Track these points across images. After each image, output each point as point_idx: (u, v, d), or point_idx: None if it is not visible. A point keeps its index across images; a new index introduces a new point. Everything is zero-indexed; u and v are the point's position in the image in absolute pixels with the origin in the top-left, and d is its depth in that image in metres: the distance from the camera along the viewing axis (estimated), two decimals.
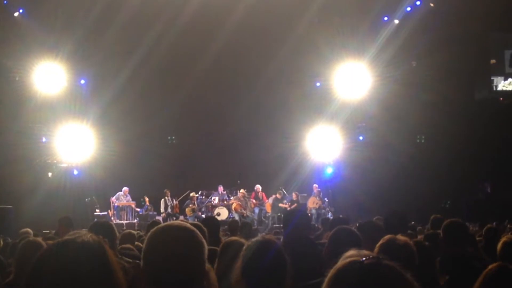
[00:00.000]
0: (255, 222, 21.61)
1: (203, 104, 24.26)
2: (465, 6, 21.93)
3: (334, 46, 22.72)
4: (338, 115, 23.41)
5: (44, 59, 21.95)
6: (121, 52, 22.23)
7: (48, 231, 13.59)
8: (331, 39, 22.65)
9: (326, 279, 1.83)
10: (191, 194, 22.50)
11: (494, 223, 12.69)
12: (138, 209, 22.17)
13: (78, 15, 21.59)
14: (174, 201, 22.43)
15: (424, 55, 22.99)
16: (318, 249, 5.24)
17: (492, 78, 24.77)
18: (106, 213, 21.39)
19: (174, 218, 21.76)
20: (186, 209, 22.12)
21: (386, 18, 23.04)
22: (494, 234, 8.20)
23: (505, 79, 24.67)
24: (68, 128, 22.50)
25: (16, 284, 5.08)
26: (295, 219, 5.43)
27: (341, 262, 1.87)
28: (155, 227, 2.65)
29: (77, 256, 1.93)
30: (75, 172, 22.68)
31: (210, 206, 22.62)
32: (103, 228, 5.61)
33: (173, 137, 25.02)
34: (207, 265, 3.52)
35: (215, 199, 22.79)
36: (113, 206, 21.83)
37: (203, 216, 20.78)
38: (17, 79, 21.80)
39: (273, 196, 22.32)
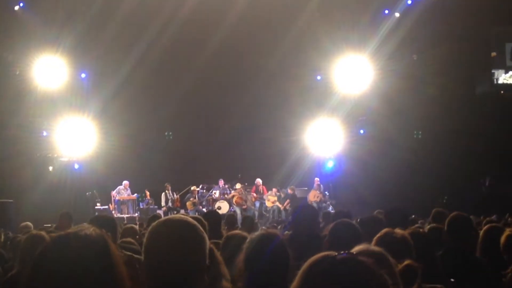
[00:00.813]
0: (256, 215, 21.64)
1: (204, 98, 24.26)
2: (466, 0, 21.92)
3: (335, 39, 22.66)
4: (339, 109, 23.38)
5: (45, 53, 21.92)
6: (122, 46, 22.20)
7: (49, 225, 13.58)
8: (331, 32, 22.60)
9: (299, 272, 1.87)
10: (192, 188, 22.52)
11: (494, 216, 12.70)
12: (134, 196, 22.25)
13: (79, 9, 21.56)
14: (175, 195, 22.45)
15: (425, 48, 22.97)
16: (322, 243, 5.25)
17: (493, 71, 24.73)
18: (107, 207, 21.39)
19: (175, 212, 21.77)
20: (187, 203, 22.15)
21: (387, 11, 22.99)
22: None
23: (506, 72, 24.63)
24: (68, 122, 22.48)
25: (19, 278, 5.08)
26: (302, 213, 5.44)
27: (314, 256, 1.89)
28: (156, 221, 2.64)
29: (80, 249, 1.93)
30: (76, 166, 22.68)
31: (211, 200, 22.64)
32: (105, 221, 5.62)
33: (173, 132, 25.03)
34: (219, 258, 3.54)
35: (216, 193, 22.80)
36: (114, 200, 21.84)
37: (204, 210, 20.82)
38: (17, 73, 21.79)
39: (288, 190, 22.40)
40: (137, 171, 22.71)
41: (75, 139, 22.61)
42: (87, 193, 21.70)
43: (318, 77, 24.38)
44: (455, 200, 20.77)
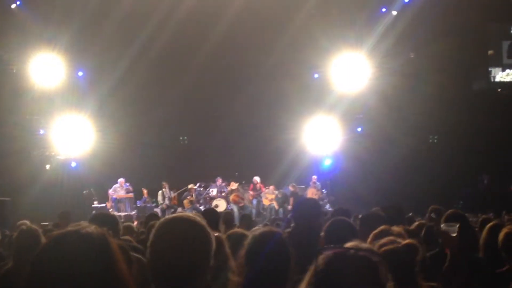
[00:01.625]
0: (254, 213, 21.64)
1: (201, 97, 24.24)
2: None
3: (332, 38, 22.65)
4: (337, 106, 23.36)
5: (42, 51, 21.88)
6: (119, 44, 22.15)
7: (46, 223, 13.58)
8: (329, 30, 22.58)
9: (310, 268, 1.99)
10: (189, 186, 22.51)
11: (491, 214, 12.71)
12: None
13: (76, 7, 21.49)
14: (172, 193, 22.45)
15: (422, 46, 22.99)
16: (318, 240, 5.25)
17: (490, 69, 24.78)
18: (104, 205, 21.37)
19: (172, 210, 21.77)
20: (184, 201, 22.14)
21: (384, 9, 23.02)
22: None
23: (503, 70, 24.68)
24: (65, 120, 22.43)
25: (15, 272, 5.08)
26: (303, 208, 5.42)
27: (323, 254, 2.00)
28: (164, 218, 2.63)
29: (80, 248, 1.91)
30: (73, 164, 22.65)
31: (208, 198, 22.63)
32: (106, 219, 5.63)
33: (171, 131, 24.97)
34: (228, 251, 3.55)
35: (213, 191, 22.80)
36: (111, 198, 21.82)
37: (201, 208, 20.80)
38: (14, 71, 21.76)
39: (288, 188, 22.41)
40: (134, 169, 22.70)
41: (72, 137, 22.57)
42: (84, 191, 21.65)
43: (316, 75, 24.38)
44: (452, 197, 20.81)
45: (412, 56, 23.53)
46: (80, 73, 23.18)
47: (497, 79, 24.62)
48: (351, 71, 23.21)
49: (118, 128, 22.64)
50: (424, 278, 3.40)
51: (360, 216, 6.21)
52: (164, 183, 22.38)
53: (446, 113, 22.59)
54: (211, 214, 6.60)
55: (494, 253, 5.24)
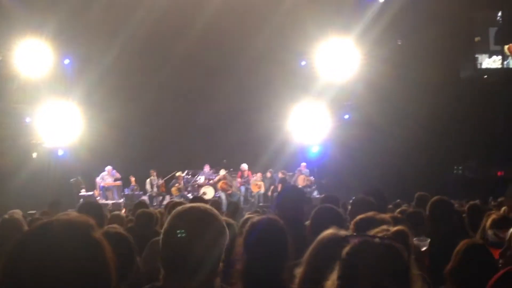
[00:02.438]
0: (242, 200, 21.67)
1: (188, 83, 24.12)
2: None
3: (319, 24, 22.59)
4: (324, 93, 23.36)
5: (28, 38, 21.71)
6: (107, 32, 21.98)
7: (33, 211, 13.53)
8: (316, 17, 22.52)
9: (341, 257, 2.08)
10: (177, 174, 22.49)
11: (477, 200, 12.79)
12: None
13: None
14: (160, 181, 22.42)
15: (409, 33, 23.00)
16: (303, 226, 5.26)
17: (476, 56, 24.86)
18: (92, 193, 21.33)
19: (161, 198, 21.79)
20: (172, 189, 22.13)
21: None
22: (477, 211, 8.27)
23: (490, 57, 24.77)
24: (52, 108, 22.33)
25: None
26: (288, 196, 5.41)
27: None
28: (179, 207, 2.62)
29: (62, 236, 1.89)
30: (60, 153, 22.57)
31: (196, 185, 22.63)
32: (92, 208, 5.63)
33: (158, 118, 24.82)
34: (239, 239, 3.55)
35: (201, 178, 22.79)
36: (99, 186, 21.78)
37: (190, 195, 20.80)
38: (0, 58, 21.57)
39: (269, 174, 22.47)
40: (122, 157, 22.61)
41: (59, 125, 22.48)
42: (71, 180, 21.59)
43: (303, 62, 24.37)
44: (437, 184, 20.92)
45: (399, 43, 23.54)
46: (67, 61, 23.04)
47: (484, 65, 24.72)
48: (339, 58, 23.22)
49: (106, 116, 22.51)
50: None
51: (350, 201, 6.21)
52: (152, 171, 22.37)
53: (433, 100, 22.64)
54: (198, 202, 6.60)
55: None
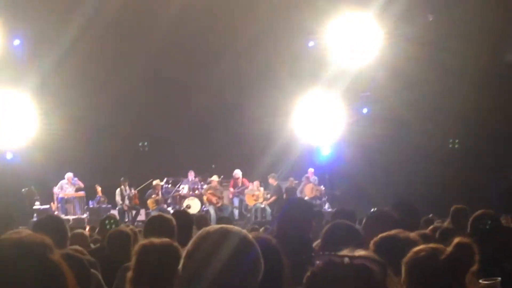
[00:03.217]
0: (236, 215, 21.65)
1: (169, 71, 24.06)
2: None
3: None
4: (337, 82, 23.33)
5: None
6: (65, 7, 21.95)
7: None
8: None
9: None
10: (154, 182, 22.43)
11: None
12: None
13: None
14: (133, 191, 22.36)
15: (443, 7, 22.97)
16: (311, 248, 5.24)
17: None
18: (48, 206, 21.28)
19: (134, 212, 21.77)
20: (148, 201, 22.05)
21: None
22: None
23: None
24: None
25: None
26: (292, 211, 5.37)
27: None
28: (208, 228, 2.56)
29: (11, 258, 1.87)
30: (9, 156, 22.51)
31: (178, 196, 22.60)
32: (50, 224, 5.60)
33: (131, 115, 24.73)
34: None
35: (184, 188, 22.76)
36: (57, 198, 21.73)
37: (170, 209, 20.76)
38: None
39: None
40: (86, 162, 22.59)
41: (7, 122, 22.42)
42: (23, 190, 21.55)
43: (311, 43, 24.33)
44: (479, 195, 20.87)
45: (430, 20, 23.49)
46: (17, 42, 22.96)
47: None
48: (355, 38, 23.20)
49: (65, 111, 22.46)
50: None
51: (366, 216, 6.20)
52: (122, 179, 22.32)
53: (471, 89, 22.60)
54: (181, 218, 6.56)
55: None
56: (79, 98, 22.55)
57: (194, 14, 22.83)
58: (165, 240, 4.12)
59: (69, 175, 21.95)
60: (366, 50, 23.12)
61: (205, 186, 22.51)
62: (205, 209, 21.63)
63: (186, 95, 24.15)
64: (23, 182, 21.77)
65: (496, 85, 23.21)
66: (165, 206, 21.95)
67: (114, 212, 20.69)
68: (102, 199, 22.10)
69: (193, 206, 21.77)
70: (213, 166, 23.26)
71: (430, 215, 13.21)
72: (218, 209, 21.60)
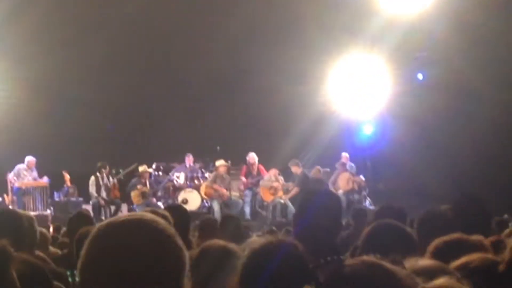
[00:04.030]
0: (247, 213, 21.66)
1: (159, 24, 24.06)
2: None
3: None
4: (383, 39, 23.33)
5: None
6: None
7: None
8: None
9: None
10: (140, 169, 22.46)
11: None
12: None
13: None
14: (111, 180, 22.41)
15: None
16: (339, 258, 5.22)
17: None
18: (0, 199, 21.39)
19: (113, 208, 21.82)
20: (132, 193, 22.10)
21: None
22: None
23: None
24: None
25: None
26: (318, 209, 5.35)
27: None
28: (105, 222, 2.50)
29: None
30: None
31: (171, 188, 22.65)
32: (5, 221, 5.61)
33: (110, 79, 24.68)
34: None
35: (180, 177, 22.80)
36: (12, 187, 21.81)
37: (160, 204, 20.83)
38: None
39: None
40: (49, 142, 22.63)
41: None
42: None
43: None
44: None
45: None
46: None
47: None
48: None
49: (22, 73, 22.53)
50: None
51: (418, 219, 6.19)
52: (99, 165, 22.34)
53: None
54: (176, 214, 6.57)
55: None
56: (41, 57, 22.55)
57: None
58: None
59: (30, 159, 21.95)
60: None
61: (207, 175, 22.52)
62: (206, 204, 21.65)
63: (182, 56, 24.20)
64: None
65: None
66: (154, 200, 22.00)
67: (87, 207, 20.73)
68: (71, 190, 22.18)
69: (191, 200, 21.79)
70: (218, 148, 23.24)
71: (505, 216, 13.23)
72: (224, 205, 21.58)
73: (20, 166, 21.96)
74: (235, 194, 22.19)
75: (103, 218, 21.05)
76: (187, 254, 2.51)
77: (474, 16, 21.98)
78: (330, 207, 5.31)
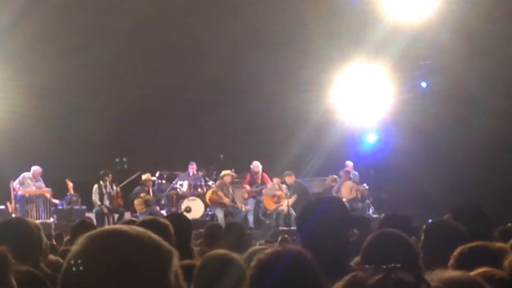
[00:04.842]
0: (250, 221, 21.65)
1: (163, 31, 24.07)
2: None
3: None
4: (387, 47, 23.34)
5: None
6: None
7: None
8: None
9: None
10: (143, 177, 22.47)
11: None
12: (56, 201, 22.17)
13: None
14: (115, 188, 22.40)
15: None
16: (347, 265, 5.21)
17: None
18: (3, 207, 21.38)
19: (117, 216, 21.79)
20: (136, 201, 22.08)
21: None
22: None
23: None
24: None
25: None
26: (325, 217, 5.33)
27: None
28: (88, 234, 2.52)
29: None
30: None
31: (174, 196, 22.65)
32: (12, 230, 5.58)
33: (115, 87, 24.69)
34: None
35: (183, 185, 22.79)
36: (16, 195, 21.80)
37: (164, 212, 20.82)
38: None
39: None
40: (53, 150, 22.63)
41: None
42: None
43: None
44: None
45: None
46: None
47: None
48: None
49: (28, 81, 22.53)
50: None
51: (425, 226, 6.17)
52: (102, 173, 22.33)
53: None
54: (178, 223, 6.56)
55: None
56: (45, 66, 22.56)
57: None
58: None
59: (36, 168, 21.98)
60: (426, 3, 23.04)
61: (210, 183, 22.50)
62: (210, 212, 21.64)
63: (187, 64, 24.19)
64: None
65: None
66: (157, 208, 22.02)
67: (91, 215, 20.74)
68: (74, 198, 22.16)
69: (195, 208, 21.80)
70: (222, 156, 23.24)
71: (509, 225, 13.20)
72: (228, 213, 21.59)
73: (25, 174, 22.01)
74: (239, 206, 22.22)
75: (106, 226, 21.05)
76: (168, 250, 2.45)
77: (477, 25, 21.98)
78: (334, 213, 5.30)
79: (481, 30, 22.12)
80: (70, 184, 22.24)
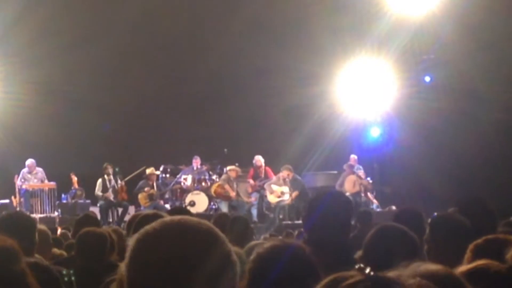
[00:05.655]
0: (254, 215, 21.64)
1: (167, 25, 24.05)
2: None
3: None
4: (390, 41, 23.32)
5: None
6: None
7: None
8: None
9: None
10: (148, 171, 22.45)
11: None
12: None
13: None
14: (119, 182, 22.38)
15: None
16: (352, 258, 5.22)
17: None
18: (7, 201, 21.36)
19: (121, 210, 21.78)
20: (140, 195, 22.07)
21: None
22: None
23: None
24: None
25: None
26: (327, 211, 5.34)
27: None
28: (139, 237, 2.40)
29: None
30: None
31: (178, 190, 22.64)
32: (16, 224, 5.58)
33: (117, 81, 24.64)
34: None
35: (188, 179, 22.77)
36: (20, 190, 21.79)
37: (168, 206, 20.81)
38: None
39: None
40: (57, 144, 22.61)
41: None
42: None
43: None
44: None
45: None
46: None
47: None
48: None
49: (30, 75, 22.53)
50: None
51: (429, 220, 6.18)
52: (107, 166, 22.30)
53: None
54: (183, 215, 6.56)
55: None
56: (48, 60, 22.54)
57: None
58: None
59: (30, 161, 21.88)
60: None
61: (214, 177, 22.50)
62: (213, 206, 21.63)
63: (190, 58, 24.17)
64: None
65: None
66: (161, 202, 22.02)
67: (95, 209, 20.72)
68: (78, 192, 22.14)
69: (199, 202, 21.77)
70: (226, 150, 23.22)
71: None
72: (231, 206, 21.59)
73: (23, 171, 21.97)
74: (244, 199, 22.20)
75: (110, 220, 21.08)
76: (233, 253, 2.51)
77: (481, 19, 21.94)
78: (339, 207, 5.31)
79: (485, 24, 22.06)
80: (75, 178, 22.21)
